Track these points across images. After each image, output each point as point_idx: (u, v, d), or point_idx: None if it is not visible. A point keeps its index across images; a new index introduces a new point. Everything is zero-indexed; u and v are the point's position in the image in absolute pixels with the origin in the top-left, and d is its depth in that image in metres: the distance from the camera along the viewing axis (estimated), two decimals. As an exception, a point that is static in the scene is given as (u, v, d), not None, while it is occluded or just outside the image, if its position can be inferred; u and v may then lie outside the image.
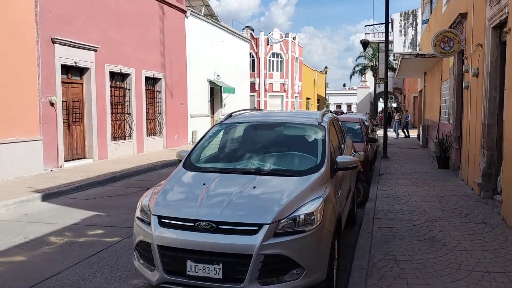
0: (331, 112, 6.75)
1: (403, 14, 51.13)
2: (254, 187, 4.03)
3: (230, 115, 5.74)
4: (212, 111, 23.76)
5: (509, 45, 6.43)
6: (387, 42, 14.75)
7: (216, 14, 25.29)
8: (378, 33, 52.68)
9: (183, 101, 19.39)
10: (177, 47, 18.77)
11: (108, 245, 5.75)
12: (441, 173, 11.21)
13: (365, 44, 15.83)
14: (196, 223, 3.57)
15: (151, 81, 17.15)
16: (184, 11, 19.31)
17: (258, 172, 4.43)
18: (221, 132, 5.42)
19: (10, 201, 7.98)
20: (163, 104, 17.69)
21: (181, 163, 4.79)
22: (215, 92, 23.57)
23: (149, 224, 3.78)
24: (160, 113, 17.62)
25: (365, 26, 19.43)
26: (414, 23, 51.09)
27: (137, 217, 4.01)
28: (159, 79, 17.43)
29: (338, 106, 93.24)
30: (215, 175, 4.34)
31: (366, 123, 15.73)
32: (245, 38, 28.40)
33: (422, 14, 22.15)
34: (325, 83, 61.94)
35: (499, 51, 7.63)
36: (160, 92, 17.58)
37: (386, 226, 6.32)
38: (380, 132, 17.69)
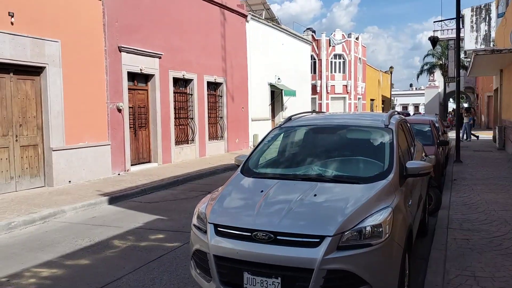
0: (398, 113, 6.30)
1: (474, 9, 48.08)
2: (315, 195, 3.77)
3: (289, 118, 5.53)
4: (273, 115, 23.68)
5: None
6: (458, 37, 13.79)
7: (277, 17, 25.23)
8: (448, 29, 50.03)
9: (244, 105, 19.47)
10: (238, 52, 18.90)
11: (169, 250, 5.74)
12: (523, 179, 10.21)
13: (434, 41, 14.90)
14: (253, 233, 3.38)
15: (213, 86, 17.37)
16: (245, 16, 19.41)
17: (320, 178, 4.17)
18: (281, 136, 5.21)
19: (79, 204, 8.31)
20: (224, 108, 17.85)
21: (239, 169, 4.64)
22: (276, 95, 23.47)
23: (205, 232, 3.65)
24: (221, 117, 17.80)
25: (434, 22, 18.09)
26: (487, 17, 47.86)
27: (194, 225, 3.90)
28: (221, 83, 17.62)
29: (405, 107, 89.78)
30: (274, 182, 4.13)
31: (437, 125, 14.82)
32: (306, 40, 28.06)
33: (497, 8, 20.58)
34: (390, 83, 59.82)
35: None
36: (221, 96, 17.76)
37: (462, 237, 5.77)
38: (451, 134, 16.62)
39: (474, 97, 48.32)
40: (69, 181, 10.49)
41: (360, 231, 3.30)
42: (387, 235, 3.34)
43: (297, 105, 26.07)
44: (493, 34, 32.77)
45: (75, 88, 10.74)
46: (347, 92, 39.18)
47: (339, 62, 38.71)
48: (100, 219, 7.61)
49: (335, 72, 38.55)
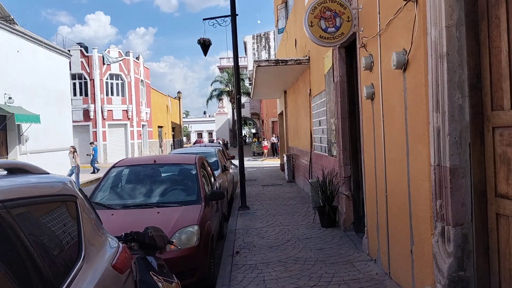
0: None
1: (255, 37, 49.63)
2: None
3: None
4: (6, 150, 16.74)
5: None
6: (235, 31, 10.42)
7: (12, 17, 18.50)
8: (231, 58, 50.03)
9: None
10: None
11: None
12: (331, 240, 6.84)
13: (204, 44, 11.26)
14: None
15: None
16: None
17: None
18: None
19: None
20: None
21: None
22: (8, 121, 16.67)
23: None
24: None
25: (204, 20, 14.45)
26: (266, 46, 49.88)
27: None
28: None
29: (199, 133, 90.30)
30: None
31: (215, 159, 11.00)
32: (62, 51, 21.89)
33: (277, 23, 18.80)
34: (180, 109, 57.37)
35: (467, 4, 3.42)
36: None
37: None
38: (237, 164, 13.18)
39: (260, 122, 49.31)
40: None
41: None
42: None
43: (51, 135, 19.69)
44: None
45: None
46: (128, 118, 33.87)
47: (117, 84, 33.19)
48: None
49: (112, 94, 32.81)
